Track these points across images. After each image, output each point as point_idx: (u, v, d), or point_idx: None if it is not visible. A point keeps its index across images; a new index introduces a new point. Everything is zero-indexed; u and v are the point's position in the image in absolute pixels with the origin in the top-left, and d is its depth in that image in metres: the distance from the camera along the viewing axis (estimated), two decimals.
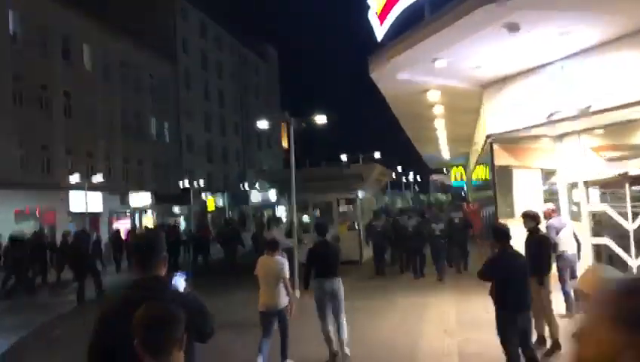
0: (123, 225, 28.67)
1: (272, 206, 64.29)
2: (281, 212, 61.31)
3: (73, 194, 31.95)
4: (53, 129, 31.50)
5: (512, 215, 11.88)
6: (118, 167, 37.95)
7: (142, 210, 35.55)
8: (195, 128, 50.74)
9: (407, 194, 65.44)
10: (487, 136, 11.73)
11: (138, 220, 33.01)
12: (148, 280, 2.93)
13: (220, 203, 52.73)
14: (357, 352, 7.94)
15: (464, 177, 30.54)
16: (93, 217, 33.60)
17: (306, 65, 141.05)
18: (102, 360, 2.75)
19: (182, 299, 2.81)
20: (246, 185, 56.44)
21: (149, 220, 33.09)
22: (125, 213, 33.33)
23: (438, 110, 13.85)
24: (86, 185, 30.13)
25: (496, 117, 11.47)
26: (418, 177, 72.16)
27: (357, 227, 19.84)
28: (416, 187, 74.39)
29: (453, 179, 31.12)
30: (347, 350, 7.66)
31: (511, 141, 11.73)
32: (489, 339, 8.22)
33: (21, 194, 28.00)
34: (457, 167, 30.18)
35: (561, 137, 11.30)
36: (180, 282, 3.00)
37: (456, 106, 13.51)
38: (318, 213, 21.31)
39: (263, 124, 17.89)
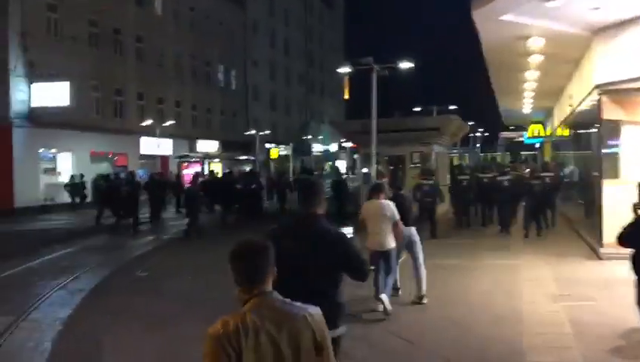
0: (194, 171, 28.84)
1: (331, 158, 64.01)
2: (342, 164, 60.93)
3: (144, 140, 32.58)
4: (127, 73, 31.90)
5: (615, 175, 10.96)
6: (187, 113, 38.35)
7: (210, 157, 35.97)
8: (261, 77, 50.51)
9: (469, 151, 63.00)
10: (596, 87, 10.71)
11: (207, 166, 33.36)
12: (304, 216, 3.56)
13: (283, 153, 52.71)
14: (454, 316, 7.47)
15: (542, 133, 28.95)
16: (163, 162, 34.30)
17: (372, 14, 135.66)
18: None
19: (329, 237, 3.43)
20: (308, 135, 56.20)
21: (217, 167, 33.40)
22: (194, 159, 33.80)
23: (535, 59, 12.80)
24: (157, 132, 30.61)
25: (607, 66, 10.41)
26: (486, 134, 69.60)
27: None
28: (477, 144, 71.72)
29: (530, 136, 29.57)
30: (426, 300, 8.04)
31: (621, 93, 10.68)
32: (598, 306, 7.60)
33: (96, 136, 28.71)
34: (536, 123, 28.62)
35: None
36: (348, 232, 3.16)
37: (555, 55, 12.41)
38: (379, 167, 20.64)
39: (344, 70, 17.11)
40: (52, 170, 27.63)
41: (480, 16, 9.93)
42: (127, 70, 31.96)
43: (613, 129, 11.05)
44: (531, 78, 15.90)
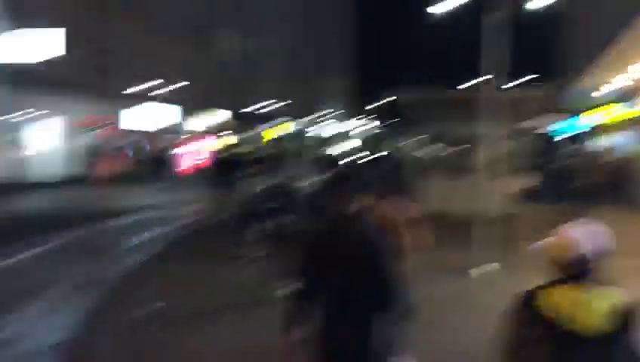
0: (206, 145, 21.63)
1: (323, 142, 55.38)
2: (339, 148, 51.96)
3: (143, 107, 25.81)
4: (119, 23, 24.67)
5: None
6: (193, 76, 30.83)
7: (223, 129, 29.12)
8: (270, 41, 42.99)
9: None
10: None
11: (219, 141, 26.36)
12: None
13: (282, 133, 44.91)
14: None
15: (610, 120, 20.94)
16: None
17: None
18: None
19: None
20: (322, 111, 49.02)
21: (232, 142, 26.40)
22: (204, 131, 26.91)
23: None
24: (168, 95, 23.94)
25: None
26: None
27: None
28: None
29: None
30: None
31: None
32: None
33: (77, 100, 21.75)
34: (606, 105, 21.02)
35: None
36: None
37: None
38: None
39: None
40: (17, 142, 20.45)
41: None
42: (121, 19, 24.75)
43: None
44: None
